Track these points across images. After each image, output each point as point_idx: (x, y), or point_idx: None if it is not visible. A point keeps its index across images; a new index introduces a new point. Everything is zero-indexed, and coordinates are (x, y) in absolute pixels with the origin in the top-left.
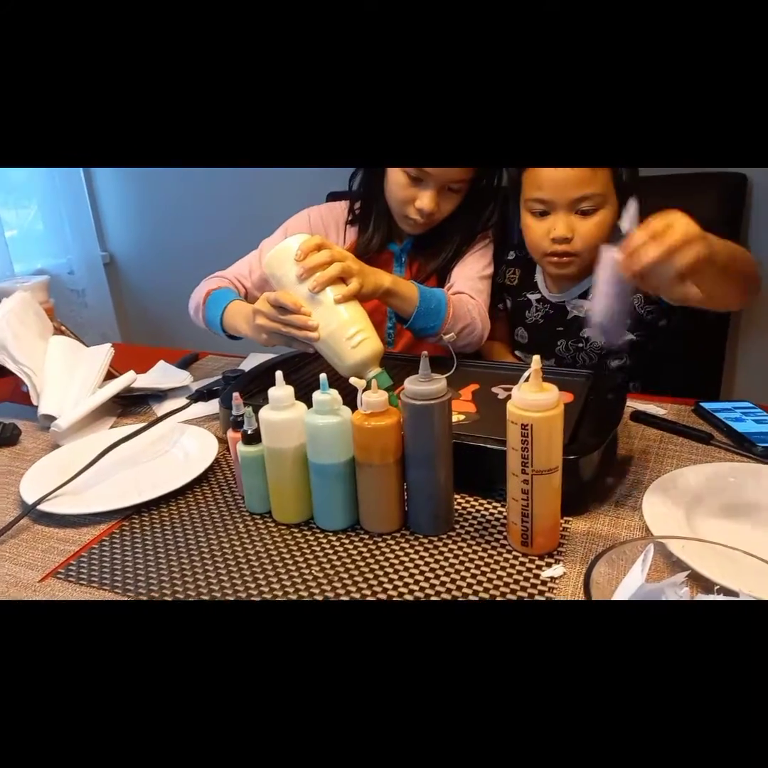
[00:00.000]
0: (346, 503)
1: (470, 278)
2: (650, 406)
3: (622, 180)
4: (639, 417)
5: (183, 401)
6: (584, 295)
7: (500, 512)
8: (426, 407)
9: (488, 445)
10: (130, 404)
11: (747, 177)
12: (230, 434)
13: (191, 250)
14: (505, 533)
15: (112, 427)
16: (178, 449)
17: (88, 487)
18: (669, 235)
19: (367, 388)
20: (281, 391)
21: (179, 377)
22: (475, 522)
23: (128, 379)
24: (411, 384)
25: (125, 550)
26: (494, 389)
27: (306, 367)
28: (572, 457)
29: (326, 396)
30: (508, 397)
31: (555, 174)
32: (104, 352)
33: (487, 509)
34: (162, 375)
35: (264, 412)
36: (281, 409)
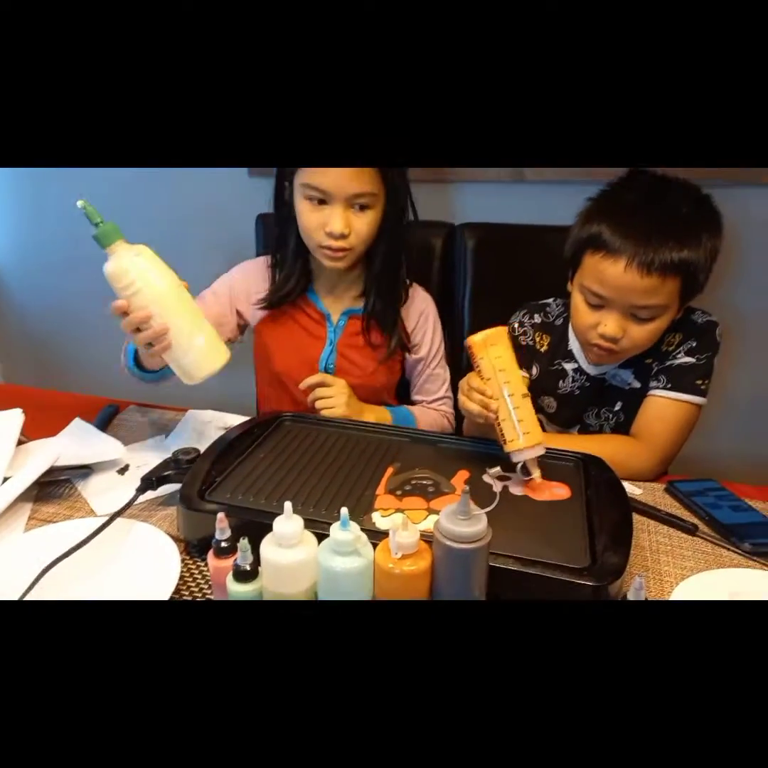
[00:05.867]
0: None
1: (439, 390)
2: (626, 484)
3: (690, 291)
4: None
5: (112, 477)
6: (625, 365)
7: None
8: (465, 552)
9: (497, 564)
10: (48, 485)
11: None
12: (213, 561)
13: (92, 257)
14: None
15: (30, 519)
16: (125, 559)
17: None
18: None
19: None
20: (290, 525)
21: (107, 447)
22: None
23: (51, 457)
24: (449, 523)
25: None
26: (486, 478)
27: (271, 438)
28: (596, 584)
29: (347, 534)
30: (504, 488)
31: (620, 278)
32: (14, 422)
33: None
34: (83, 441)
35: (267, 551)
36: (289, 547)
